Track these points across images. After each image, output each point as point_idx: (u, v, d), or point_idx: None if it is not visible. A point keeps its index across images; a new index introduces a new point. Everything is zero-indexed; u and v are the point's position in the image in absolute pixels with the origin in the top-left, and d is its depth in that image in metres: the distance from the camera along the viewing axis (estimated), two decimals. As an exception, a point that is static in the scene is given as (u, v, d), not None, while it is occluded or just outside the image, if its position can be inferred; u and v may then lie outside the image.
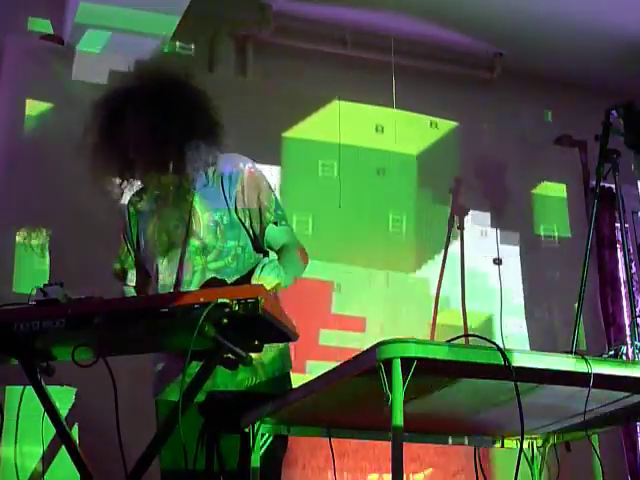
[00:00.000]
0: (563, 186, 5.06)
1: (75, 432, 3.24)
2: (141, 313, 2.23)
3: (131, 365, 2.75)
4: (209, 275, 2.68)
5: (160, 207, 2.77)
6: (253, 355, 2.59)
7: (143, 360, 2.73)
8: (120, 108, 2.69)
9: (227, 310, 2.14)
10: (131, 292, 2.90)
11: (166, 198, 2.73)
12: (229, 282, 2.66)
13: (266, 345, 2.59)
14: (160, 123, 2.64)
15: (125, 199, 2.90)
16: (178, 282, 2.72)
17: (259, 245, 2.78)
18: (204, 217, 2.74)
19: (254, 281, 2.44)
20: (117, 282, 2.93)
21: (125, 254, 2.90)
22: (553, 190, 5.06)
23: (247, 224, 2.76)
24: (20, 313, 2.27)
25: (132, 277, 2.90)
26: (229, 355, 2.36)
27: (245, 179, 2.76)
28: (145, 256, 2.84)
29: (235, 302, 2.15)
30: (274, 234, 2.76)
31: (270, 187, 2.82)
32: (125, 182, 2.80)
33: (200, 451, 2.64)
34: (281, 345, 2.75)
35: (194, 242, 2.72)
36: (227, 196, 2.74)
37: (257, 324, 2.24)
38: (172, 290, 2.70)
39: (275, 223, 2.76)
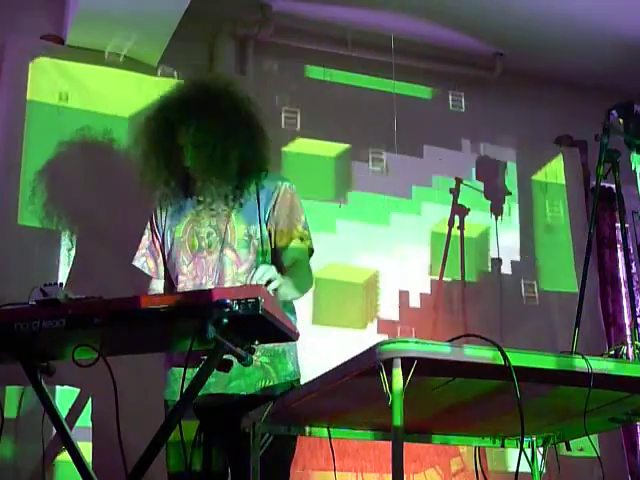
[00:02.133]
0: (563, 186, 5.05)
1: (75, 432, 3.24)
2: (141, 313, 2.23)
3: (131, 365, 2.75)
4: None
5: (197, 211, 2.85)
6: (266, 361, 2.64)
7: (143, 360, 2.73)
8: (177, 119, 2.79)
9: (227, 310, 2.14)
10: (158, 288, 2.93)
11: (207, 205, 2.82)
12: None
13: (280, 350, 2.71)
14: (222, 137, 2.75)
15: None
16: (200, 287, 2.75)
17: (279, 261, 2.81)
18: (239, 230, 2.80)
19: (249, 281, 2.47)
20: (138, 274, 2.96)
21: (157, 249, 2.93)
22: (553, 190, 5.05)
23: (272, 237, 2.82)
24: (20, 313, 2.26)
25: (162, 273, 2.94)
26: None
27: (280, 196, 2.84)
28: (169, 256, 2.88)
29: (235, 302, 2.15)
30: (292, 247, 2.82)
31: (301, 207, 2.88)
32: (170, 193, 2.87)
33: (204, 453, 2.67)
34: (293, 353, 2.81)
35: (228, 253, 2.78)
36: (262, 211, 2.82)
37: (257, 324, 2.24)
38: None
39: (301, 239, 2.82)
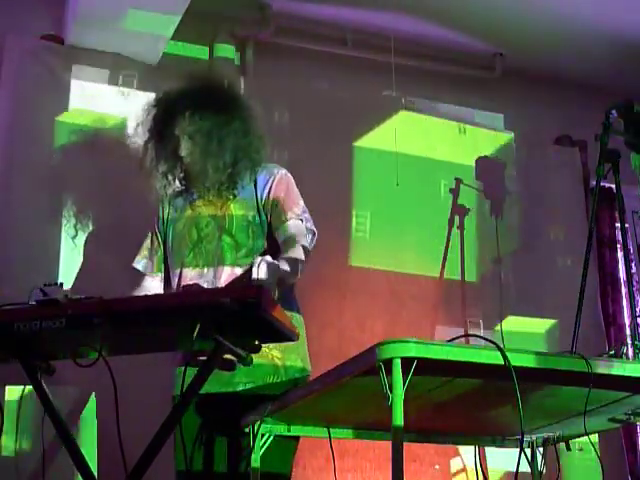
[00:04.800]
0: (563, 186, 5.05)
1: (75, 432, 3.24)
2: (141, 313, 2.23)
3: (131, 365, 2.75)
4: (238, 271, 2.79)
5: (195, 204, 2.92)
6: (277, 356, 2.68)
7: (144, 360, 2.73)
8: (176, 111, 2.88)
9: (227, 310, 2.14)
10: (151, 285, 2.95)
11: (204, 196, 2.90)
12: None
13: (290, 348, 2.70)
14: (217, 127, 2.84)
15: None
16: (202, 276, 2.80)
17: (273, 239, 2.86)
18: (238, 216, 2.87)
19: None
20: (138, 276, 2.98)
21: (156, 247, 2.98)
22: (552, 190, 5.05)
23: (268, 217, 2.87)
24: (20, 313, 2.26)
25: (159, 269, 2.97)
26: (227, 355, 2.37)
27: (275, 181, 2.90)
28: (171, 249, 2.93)
29: (235, 302, 2.15)
30: (288, 225, 2.84)
31: (297, 192, 2.94)
32: (168, 185, 2.94)
33: (206, 452, 2.68)
34: (301, 351, 2.82)
35: (227, 239, 2.84)
36: (259, 198, 2.88)
37: (257, 324, 2.24)
38: (195, 283, 2.74)
39: (301, 220, 2.86)
